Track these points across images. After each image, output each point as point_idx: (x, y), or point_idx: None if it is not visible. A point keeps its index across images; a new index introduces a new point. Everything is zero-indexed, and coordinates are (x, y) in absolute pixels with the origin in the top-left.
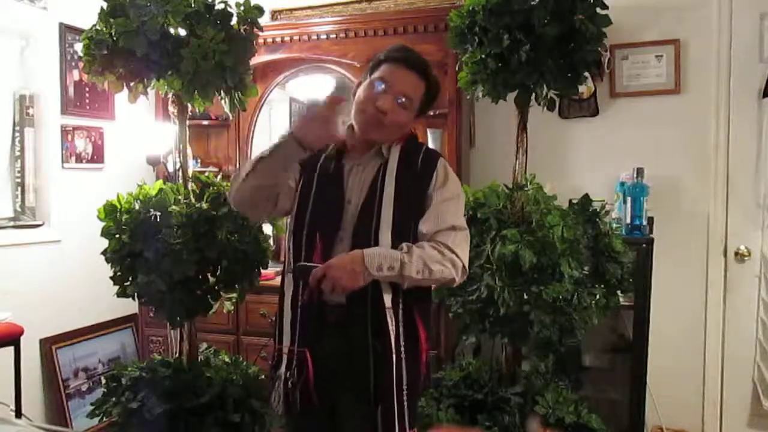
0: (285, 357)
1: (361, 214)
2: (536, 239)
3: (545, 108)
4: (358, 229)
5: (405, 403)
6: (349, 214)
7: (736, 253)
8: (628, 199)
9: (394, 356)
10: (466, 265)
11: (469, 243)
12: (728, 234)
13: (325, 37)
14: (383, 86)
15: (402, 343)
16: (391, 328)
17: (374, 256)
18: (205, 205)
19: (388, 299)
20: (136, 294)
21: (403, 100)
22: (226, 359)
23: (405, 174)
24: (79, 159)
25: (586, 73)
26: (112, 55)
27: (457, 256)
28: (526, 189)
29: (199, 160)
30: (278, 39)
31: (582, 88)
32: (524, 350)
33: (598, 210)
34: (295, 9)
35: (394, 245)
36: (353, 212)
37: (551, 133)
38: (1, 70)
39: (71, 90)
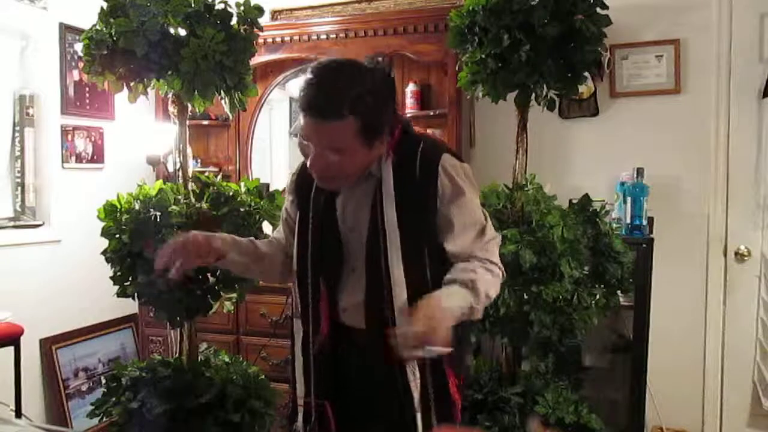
0: (301, 409)
1: (368, 244)
2: (536, 239)
3: (545, 108)
4: (369, 260)
5: None
6: (356, 244)
7: (736, 253)
8: (628, 199)
9: (417, 415)
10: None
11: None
12: (728, 234)
13: (325, 37)
14: (307, 145)
15: (431, 392)
16: (413, 384)
17: (451, 309)
18: (205, 205)
19: None
20: (136, 294)
21: (334, 149)
22: (226, 359)
23: (404, 189)
24: (79, 159)
25: (586, 73)
26: (112, 55)
27: (499, 266)
28: (526, 189)
29: (199, 160)
30: (278, 39)
31: (582, 88)
32: (524, 350)
33: (598, 210)
34: (295, 9)
35: (407, 272)
36: (359, 241)
37: (551, 133)
38: (1, 70)
39: (71, 90)
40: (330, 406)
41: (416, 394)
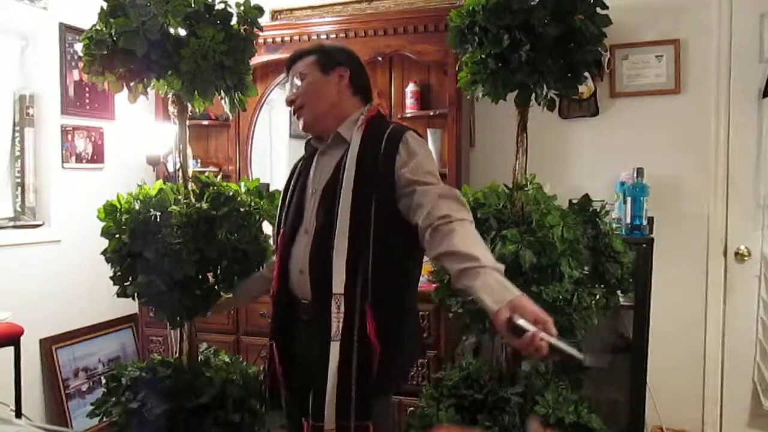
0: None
1: (322, 199)
2: (536, 239)
3: (545, 108)
4: (319, 213)
5: (352, 393)
6: (313, 205)
7: (736, 253)
8: (628, 199)
9: (333, 344)
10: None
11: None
12: (728, 234)
13: (325, 37)
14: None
15: (354, 332)
16: (335, 316)
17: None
18: (205, 205)
19: (339, 286)
20: (136, 294)
21: (300, 78)
22: (226, 359)
23: (367, 154)
24: (79, 159)
25: (586, 73)
26: (112, 55)
27: (470, 220)
28: (526, 189)
29: (199, 160)
30: (278, 39)
31: (582, 88)
32: None
33: (598, 210)
34: (295, 9)
35: (354, 221)
36: (317, 200)
37: (551, 133)
38: (1, 70)
39: (71, 90)
40: (276, 346)
41: (335, 326)
